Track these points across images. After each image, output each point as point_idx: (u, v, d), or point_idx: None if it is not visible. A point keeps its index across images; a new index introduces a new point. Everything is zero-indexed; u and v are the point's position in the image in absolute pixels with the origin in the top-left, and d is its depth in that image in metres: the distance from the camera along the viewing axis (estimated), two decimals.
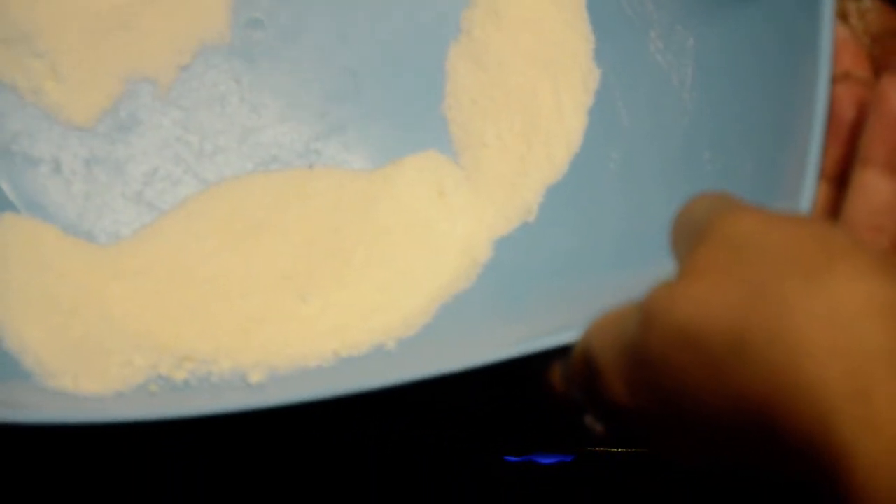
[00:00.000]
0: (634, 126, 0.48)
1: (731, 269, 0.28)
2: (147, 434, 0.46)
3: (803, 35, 0.39)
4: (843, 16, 0.42)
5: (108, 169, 0.48)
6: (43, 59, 0.49)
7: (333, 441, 0.51)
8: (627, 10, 0.49)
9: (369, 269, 0.46)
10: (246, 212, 0.48)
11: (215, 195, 0.48)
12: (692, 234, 0.31)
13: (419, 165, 0.49)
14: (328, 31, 0.51)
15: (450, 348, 0.43)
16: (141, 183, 0.48)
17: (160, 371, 0.43)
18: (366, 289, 0.46)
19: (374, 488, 0.51)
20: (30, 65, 0.48)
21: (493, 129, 0.49)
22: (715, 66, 0.45)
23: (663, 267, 0.32)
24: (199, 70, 0.50)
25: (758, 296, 0.27)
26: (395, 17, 0.51)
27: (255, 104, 0.50)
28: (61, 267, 0.45)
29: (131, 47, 0.50)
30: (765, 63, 0.42)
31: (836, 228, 0.29)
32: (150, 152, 0.49)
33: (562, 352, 0.35)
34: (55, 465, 0.49)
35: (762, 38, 0.42)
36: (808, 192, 0.36)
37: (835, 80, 0.38)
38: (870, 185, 0.36)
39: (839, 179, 0.38)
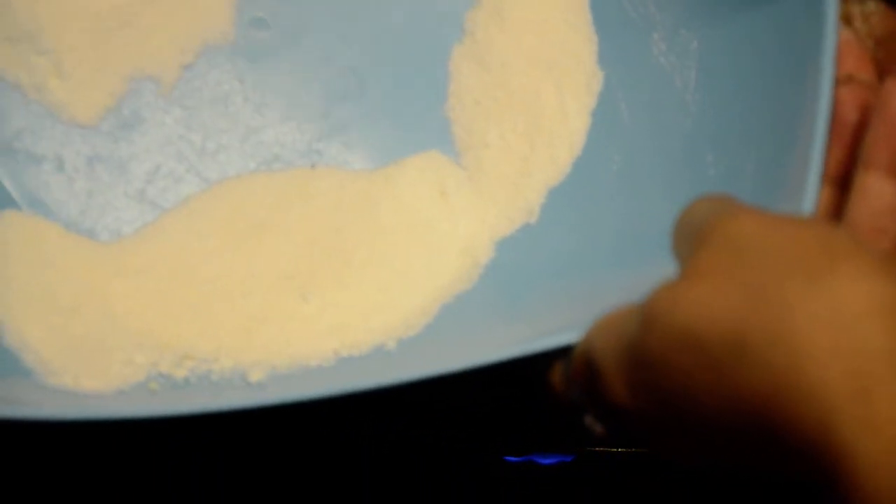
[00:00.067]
0: (637, 128, 0.48)
1: (732, 271, 0.28)
2: (147, 432, 0.46)
3: (807, 38, 0.39)
4: (846, 19, 0.42)
5: (110, 167, 0.48)
6: (46, 57, 0.49)
7: (333, 440, 0.51)
8: (630, 13, 0.49)
9: (370, 268, 0.46)
10: (247, 211, 0.48)
11: (217, 194, 0.48)
12: (693, 235, 0.31)
13: (421, 166, 0.49)
14: (331, 31, 0.51)
15: (450, 348, 0.43)
16: (143, 181, 0.48)
17: (161, 369, 0.43)
18: (367, 288, 0.46)
19: (374, 488, 0.51)
20: (33, 62, 0.49)
21: (495, 130, 0.49)
22: (718, 69, 0.45)
23: (664, 268, 0.32)
24: (203, 69, 0.50)
25: (759, 297, 0.27)
26: (398, 17, 0.51)
27: (258, 103, 0.50)
28: (63, 265, 0.45)
29: (135, 46, 0.50)
30: (768, 66, 0.42)
31: (837, 230, 0.29)
32: (152, 151, 0.49)
33: (562, 352, 0.35)
34: (55, 462, 0.49)
35: (765, 40, 0.42)
36: (810, 195, 0.36)
37: (838, 82, 0.38)
38: (872, 188, 0.36)
39: (842, 182, 0.38)
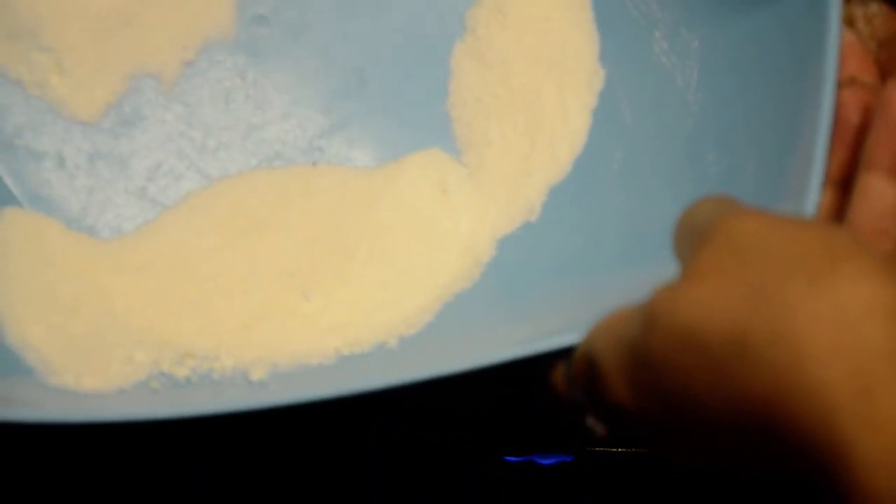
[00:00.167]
0: (638, 127, 0.48)
1: (733, 272, 0.28)
2: (149, 432, 0.46)
3: (810, 39, 0.39)
4: (849, 21, 0.42)
5: (111, 164, 0.48)
6: (48, 54, 0.49)
7: (334, 440, 0.51)
8: (632, 11, 0.49)
9: (372, 266, 0.46)
10: (248, 208, 0.48)
11: (218, 191, 0.48)
12: (695, 236, 0.31)
13: (422, 163, 0.49)
14: (333, 28, 0.51)
15: (452, 347, 0.43)
16: (144, 178, 0.48)
17: (162, 368, 0.43)
18: (368, 286, 0.46)
19: (374, 487, 0.51)
20: (35, 59, 0.48)
21: (496, 128, 0.49)
22: (720, 68, 0.45)
23: (666, 268, 0.32)
24: (204, 66, 0.50)
25: (760, 297, 0.27)
26: (399, 14, 0.51)
27: (259, 101, 0.50)
28: (63, 262, 0.45)
29: (136, 43, 0.50)
30: (770, 66, 0.42)
31: (839, 230, 0.29)
32: (153, 148, 0.49)
33: (564, 352, 0.35)
34: (56, 461, 0.49)
35: (768, 41, 0.42)
36: (813, 196, 0.36)
37: (841, 84, 0.38)
38: (874, 190, 0.36)
39: (843, 184, 0.38)
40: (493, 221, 0.48)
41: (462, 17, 0.51)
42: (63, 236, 0.46)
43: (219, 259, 0.46)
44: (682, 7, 0.47)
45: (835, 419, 0.25)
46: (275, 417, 0.38)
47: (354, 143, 0.50)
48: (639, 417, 0.31)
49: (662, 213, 0.36)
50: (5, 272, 0.45)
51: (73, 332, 0.44)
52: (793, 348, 0.26)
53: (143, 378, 0.43)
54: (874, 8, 0.43)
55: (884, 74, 0.40)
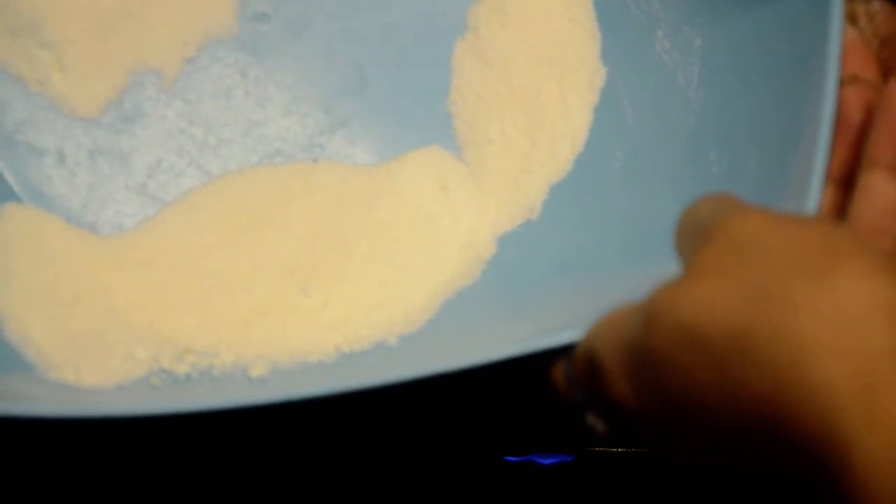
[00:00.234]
0: (640, 125, 0.48)
1: (735, 270, 0.28)
2: (149, 428, 0.46)
3: (812, 36, 0.39)
4: (851, 18, 0.42)
5: (111, 160, 0.48)
6: (49, 50, 0.49)
7: (334, 437, 0.51)
8: (634, 9, 0.49)
9: (372, 263, 0.46)
10: (249, 205, 0.48)
11: (219, 188, 0.48)
12: (696, 234, 0.31)
13: (423, 161, 0.49)
14: (334, 25, 0.51)
15: (452, 345, 0.43)
16: (144, 175, 0.48)
17: (162, 364, 0.43)
18: (368, 283, 0.46)
19: (373, 486, 0.51)
20: (36, 55, 0.48)
21: (497, 126, 0.49)
22: (721, 66, 0.45)
23: (667, 266, 0.32)
24: (205, 63, 0.50)
25: (762, 296, 0.27)
26: (400, 12, 0.51)
27: (260, 97, 0.50)
28: (64, 258, 0.45)
29: (137, 39, 0.50)
30: (771, 64, 0.42)
31: (840, 229, 0.29)
32: (154, 144, 0.49)
33: (564, 350, 0.35)
34: (56, 457, 0.49)
35: (770, 39, 0.42)
36: (814, 194, 0.36)
37: (843, 82, 0.38)
38: (875, 188, 0.36)
39: (845, 182, 0.38)
40: (494, 219, 0.48)
41: (463, 15, 0.51)
42: (63, 232, 0.46)
43: (219, 256, 0.46)
44: (685, 5, 0.47)
45: (836, 418, 0.25)
46: (274, 414, 0.38)
47: (355, 141, 0.50)
48: (639, 416, 0.31)
49: (663, 212, 0.36)
50: (5, 268, 0.45)
51: (73, 327, 0.44)
52: (794, 347, 0.26)
53: (143, 374, 0.43)
54: (876, 5, 0.42)
55: (886, 72, 0.39)
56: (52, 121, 0.48)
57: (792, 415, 0.26)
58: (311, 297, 0.45)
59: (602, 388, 0.32)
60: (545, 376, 0.36)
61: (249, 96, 0.50)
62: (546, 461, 0.51)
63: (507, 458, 0.51)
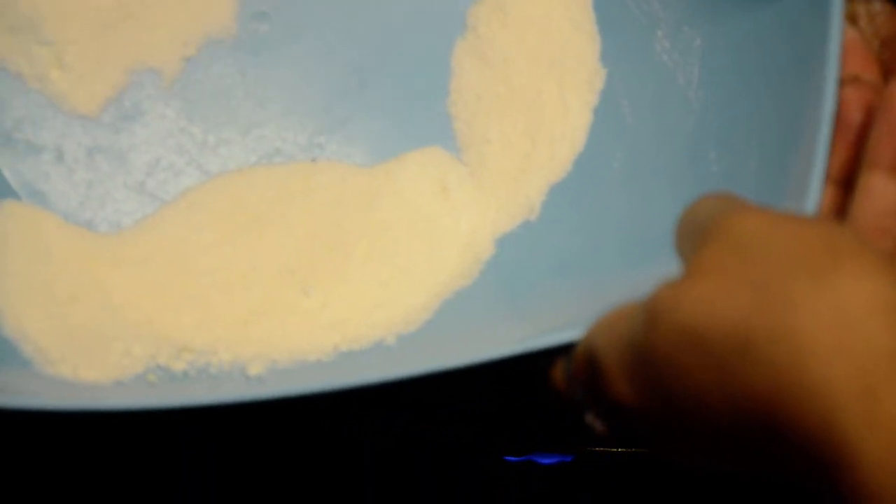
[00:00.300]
0: (639, 125, 0.48)
1: (735, 269, 0.28)
2: (145, 424, 0.46)
3: (812, 37, 0.39)
4: (852, 18, 0.42)
5: (110, 158, 0.48)
6: (49, 48, 0.48)
7: (332, 436, 0.51)
8: (634, 10, 0.49)
9: (371, 263, 0.46)
10: (248, 204, 0.48)
11: (217, 187, 0.48)
12: (697, 234, 0.31)
13: (422, 161, 0.49)
14: (334, 25, 0.51)
15: (451, 345, 0.43)
16: (143, 173, 0.48)
17: (159, 361, 0.43)
18: (367, 284, 0.46)
19: (372, 485, 0.51)
20: (35, 52, 0.48)
21: (497, 127, 0.49)
22: (721, 67, 0.45)
23: (667, 266, 0.32)
24: (205, 62, 0.50)
25: (763, 295, 0.27)
26: (400, 12, 0.51)
27: (260, 97, 0.50)
28: (62, 255, 0.45)
29: (137, 38, 0.50)
30: (772, 64, 0.42)
31: (841, 228, 0.29)
32: (153, 143, 0.49)
33: (564, 350, 0.35)
34: (52, 452, 0.49)
35: (770, 39, 0.42)
36: (814, 194, 0.36)
37: (843, 82, 0.38)
38: (876, 188, 0.36)
39: (845, 182, 0.38)
40: (493, 220, 0.48)
41: (463, 16, 0.51)
42: (61, 230, 0.46)
43: (217, 254, 0.46)
44: (685, 5, 0.47)
45: (837, 418, 0.25)
46: (271, 411, 0.38)
47: (354, 141, 0.50)
48: (639, 415, 0.31)
49: (663, 212, 0.36)
50: (3, 265, 0.44)
51: (70, 324, 0.43)
52: (795, 347, 0.26)
53: (141, 371, 0.43)
54: (877, 6, 0.42)
55: (886, 73, 0.39)
56: (51, 118, 0.48)
57: (792, 414, 0.26)
58: (310, 297, 0.45)
59: (602, 388, 0.32)
60: (545, 376, 0.36)
61: (249, 96, 0.50)
62: (546, 461, 0.51)
63: (507, 458, 0.51)
